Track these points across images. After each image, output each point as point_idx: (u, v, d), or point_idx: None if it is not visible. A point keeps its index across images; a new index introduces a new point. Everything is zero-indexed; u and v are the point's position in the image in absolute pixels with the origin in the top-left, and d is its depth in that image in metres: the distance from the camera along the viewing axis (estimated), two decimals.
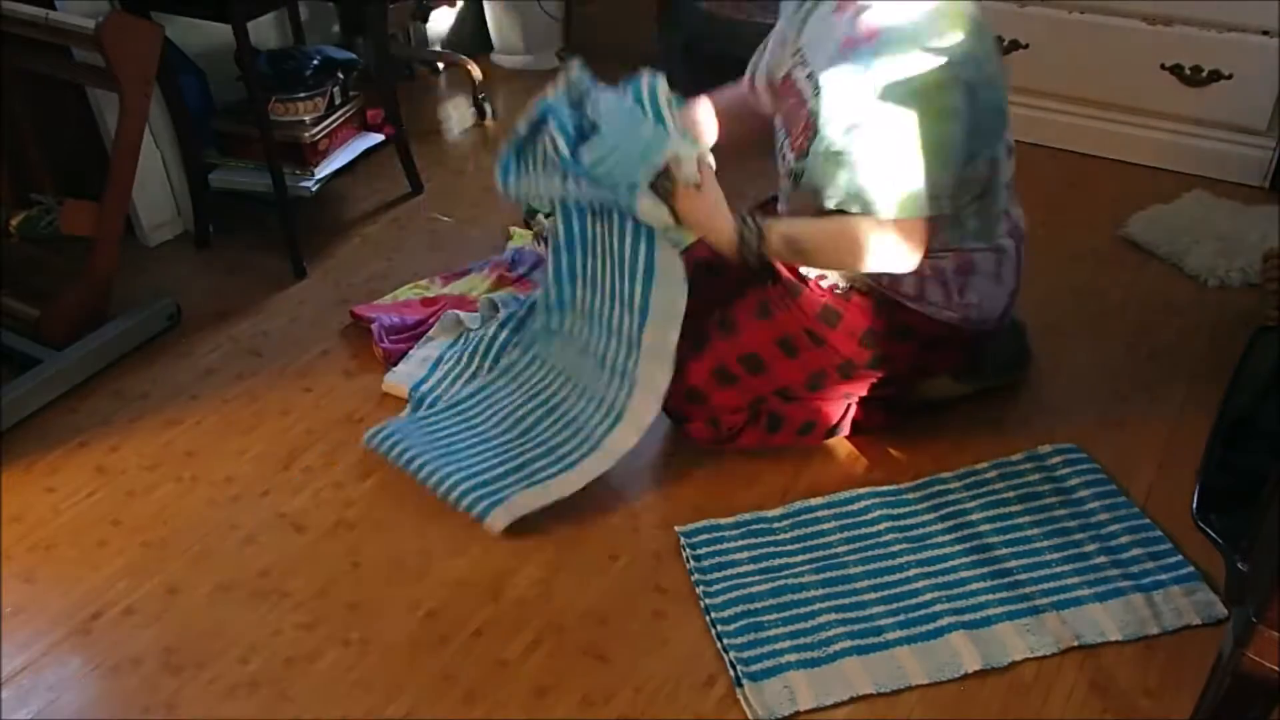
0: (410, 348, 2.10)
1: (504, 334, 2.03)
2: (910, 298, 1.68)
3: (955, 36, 1.47)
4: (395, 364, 2.08)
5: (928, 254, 1.59)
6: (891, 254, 1.56)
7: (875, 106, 1.48)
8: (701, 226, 1.65)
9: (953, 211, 1.59)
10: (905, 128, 1.47)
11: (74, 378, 2.09)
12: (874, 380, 1.79)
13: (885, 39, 1.48)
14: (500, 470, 1.76)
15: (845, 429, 1.87)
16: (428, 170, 2.82)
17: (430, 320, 2.15)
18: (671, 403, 1.84)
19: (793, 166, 1.63)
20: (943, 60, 1.46)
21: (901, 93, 1.46)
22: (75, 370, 2.09)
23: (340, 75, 2.50)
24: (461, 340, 2.07)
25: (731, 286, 1.82)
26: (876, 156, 1.50)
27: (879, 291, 1.68)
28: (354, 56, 2.55)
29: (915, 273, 1.62)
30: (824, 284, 1.71)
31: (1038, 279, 2.26)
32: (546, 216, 2.31)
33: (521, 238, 2.47)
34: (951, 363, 1.84)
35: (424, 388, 1.99)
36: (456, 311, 2.13)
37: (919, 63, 1.46)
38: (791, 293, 1.74)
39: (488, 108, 3.11)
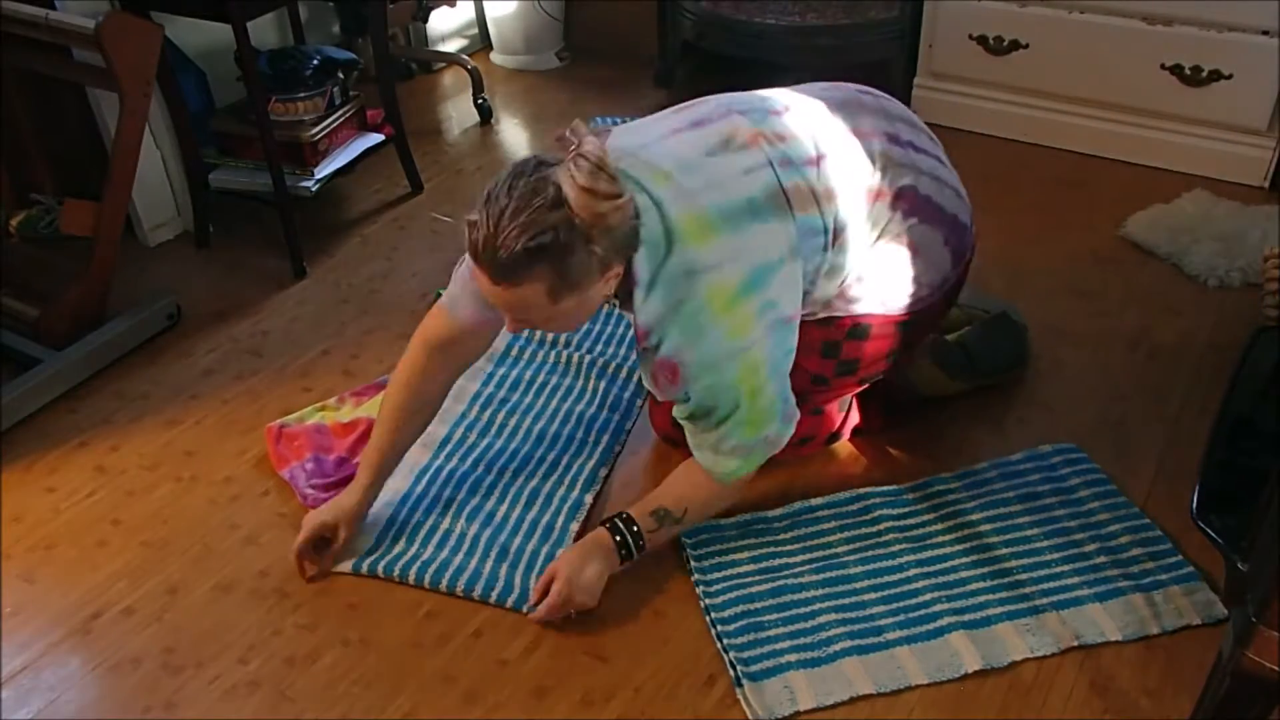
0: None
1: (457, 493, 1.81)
2: (850, 304, 1.66)
3: (735, 316, 1.46)
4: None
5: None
6: (715, 496, 1.61)
7: (700, 419, 1.53)
8: (590, 593, 1.56)
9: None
10: (734, 424, 1.51)
11: (74, 378, 2.09)
12: (857, 381, 1.77)
13: (695, 371, 1.48)
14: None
15: (846, 434, 1.87)
16: (428, 170, 2.82)
17: (354, 457, 1.85)
18: (664, 429, 1.85)
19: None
20: (742, 355, 1.47)
21: (726, 403, 1.50)
22: (75, 370, 2.09)
23: (340, 75, 2.50)
24: (417, 489, 1.80)
25: None
26: (702, 446, 1.56)
27: (822, 314, 1.67)
28: (354, 56, 2.55)
29: (837, 307, 1.65)
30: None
31: (1038, 279, 2.27)
32: None
33: None
34: (929, 330, 1.81)
35: (368, 560, 1.67)
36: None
37: (727, 374, 1.48)
38: None
39: (488, 108, 3.10)
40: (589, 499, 1.79)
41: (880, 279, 1.65)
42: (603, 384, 2.03)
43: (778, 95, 1.65)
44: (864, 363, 1.71)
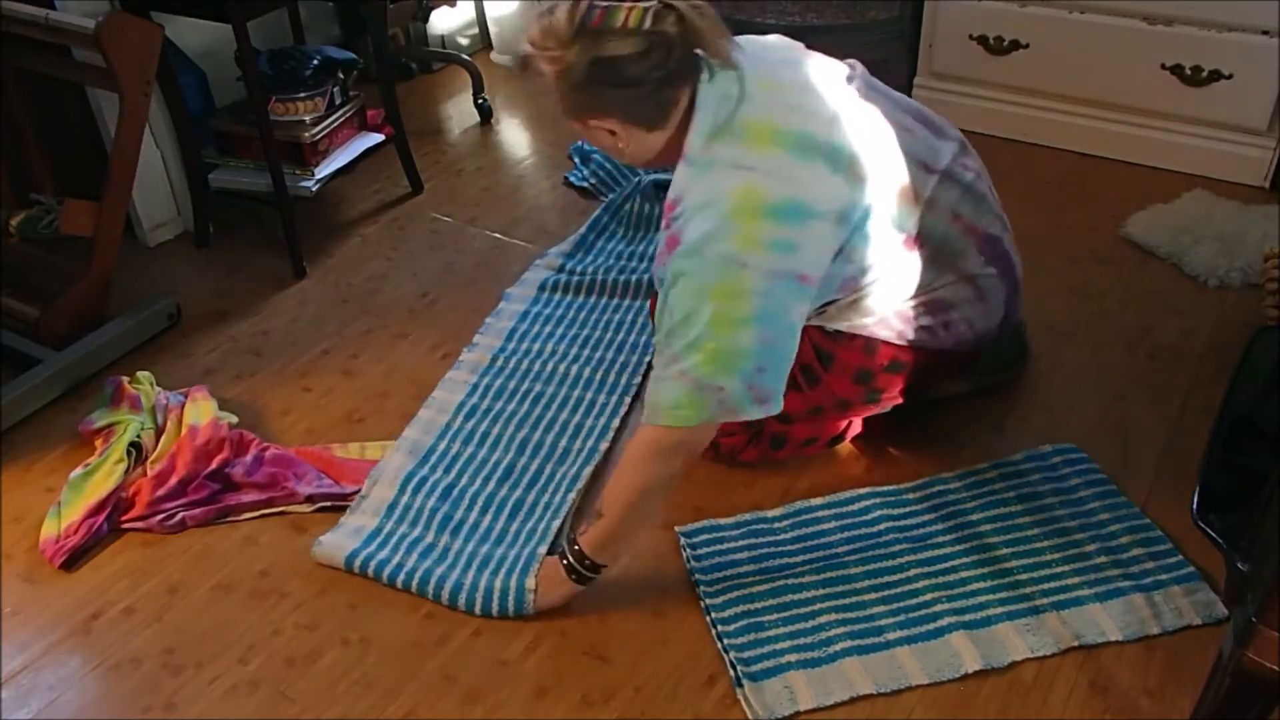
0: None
1: (443, 506, 1.78)
2: (896, 337, 1.66)
3: (748, 229, 1.41)
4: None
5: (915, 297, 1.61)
6: (643, 463, 1.50)
7: (665, 320, 1.45)
8: (540, 602, 1.58)
9: (898, 268, 1.58)
10: (689, 343, 1.42)
11: (74, 378, 2.09)
12: (873, 410, 1.78)
13: (682, 250, 1.43)
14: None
15: (849, 437, 1.87)
16: (428, 170, 2.82)
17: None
18: None
19: None
20: (732, 266, 1.40)
21: (687, 308, 1.42)
22: (75, 370, 2.09)
23: (340, 75, 2.50)
24: (403, 499, 1.79)
25: None
26: (657, 366, 1.48)
27: (864, 336, 1.66)
28: (354, 56, 2.55)
29: (893, 323, 1.63)
30: (812, 322, 1.66)
31: (1038, 279, 2.27)
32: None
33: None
34: (952, 374, 1.83)
35: (360, 557, 1.67)
36: (388, 464, 1.85)
37: (706, 274, 1.41)
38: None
39: (488, 108, 3.10)
40: (572, 497, 1.78)
41: (943, 311, 1.65)
42: (589, 393, 2.01)
43: (909, 100, 1.70)
44: (888, 394, 1.72)
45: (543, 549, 1.67)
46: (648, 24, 1.38)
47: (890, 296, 1.62)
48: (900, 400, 1.76)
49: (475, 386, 2.04)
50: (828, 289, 1.56)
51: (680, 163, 1.48)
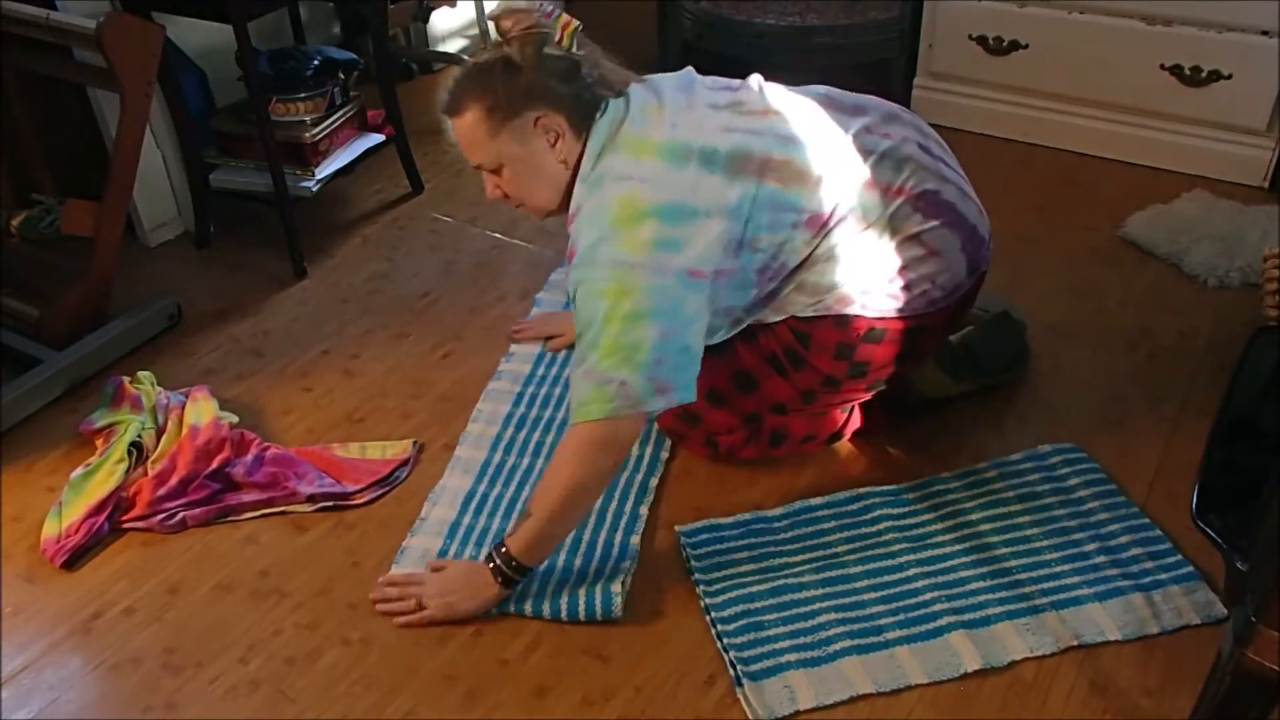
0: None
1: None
2: (862, 310, 1.66)
3: (632, 232, 1.51)
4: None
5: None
6: (570, 462, 1.52)
7: (577, 326, 1.56)
8: (461, 607, 1.58)
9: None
10: (589, 342, 1.51)
11: (74, 378, 2.09)
12: (865, 387, 1.78)
13: (575, 261, 1.55)
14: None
15: (847, 434, 1.87)
16: (428, 170, 2.82)
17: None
18: (666, 423, 1.85)
19: None
20: (620, 268, 1.50)
21: (587, 313, 1.52)
22: (75, 370, 2.09)
23: (340, 75, 2.50)
24: (465, 519, 1.76)
25: None
26: (573, 368, 1.55)
27: (833, 314, 1.66)
28: (354, 56, 2.55)
29: (850, 298, 1.64)
30: (776, 319, 1.70)
31: (1038, 279, 2.27)
32: None
33: None
34: (938, 340, 1.81)
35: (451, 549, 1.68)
36: (444, 486, 1.83)
37: (598, 278, 1.51)
38: (767, 321, 1.73)
39: None
40: (644, 511, 1.75)
41: (896, 275, 1.65)
42: None
43: (815, 89, 1.73)
44: (874, 366, 1.71)
45: (627, 563, 1.65)
46: (574, 48, 1.58)
47: (831, 273, 1.63)
48: (892, 370, 1.74)
49: (520, 396, 2.01)
50: (745, 281, 1.61)
51: (576, 182, 1.60)
